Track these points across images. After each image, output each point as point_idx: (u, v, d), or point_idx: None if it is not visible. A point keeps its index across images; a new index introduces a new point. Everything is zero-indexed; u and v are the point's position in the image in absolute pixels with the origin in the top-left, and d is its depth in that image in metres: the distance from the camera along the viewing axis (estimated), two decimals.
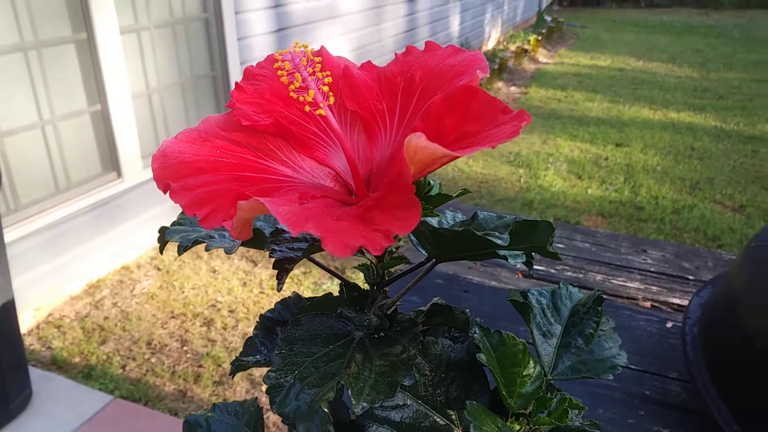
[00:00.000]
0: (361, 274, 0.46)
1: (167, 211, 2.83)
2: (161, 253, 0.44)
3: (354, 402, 0.35)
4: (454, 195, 0.42)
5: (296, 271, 2.60)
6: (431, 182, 0.42)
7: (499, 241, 0.36)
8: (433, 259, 0.44)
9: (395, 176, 0.30)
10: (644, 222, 3.09)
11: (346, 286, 0.45)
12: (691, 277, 1.11)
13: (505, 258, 0.40)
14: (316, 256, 0.49)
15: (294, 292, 0.46)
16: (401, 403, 0.41)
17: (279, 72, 0.37)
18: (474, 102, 0.33)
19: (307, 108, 0.37)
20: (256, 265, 2.65)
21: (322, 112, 0.37)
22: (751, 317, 0.68)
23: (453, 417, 0.41)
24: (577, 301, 0.52)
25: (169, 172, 0.35)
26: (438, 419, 0.41)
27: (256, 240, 0.42)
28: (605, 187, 3.52)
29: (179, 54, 2.83)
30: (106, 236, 2.52)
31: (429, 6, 5.33)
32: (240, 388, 1.95)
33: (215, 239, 0.45)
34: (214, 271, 2.60)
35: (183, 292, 2.45)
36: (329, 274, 2.63)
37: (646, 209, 3.23)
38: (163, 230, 0.44)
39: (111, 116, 2.46)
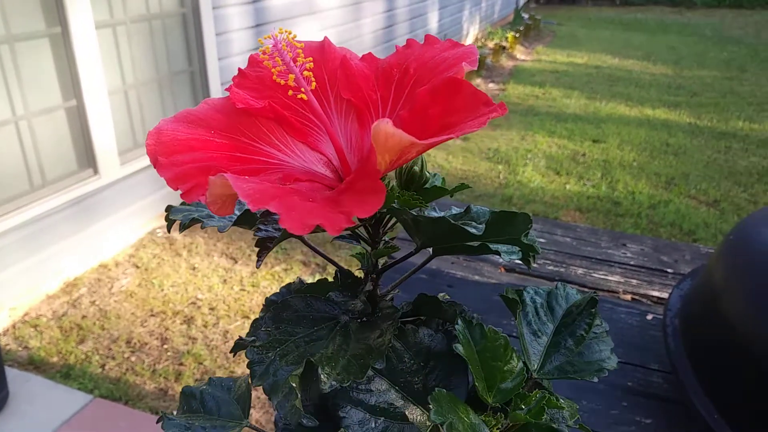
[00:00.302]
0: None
1: (146, 208, 2.80)
2: (168, 231, 0.45)
3: (324, 380, 0.36)
4: (449, 189, 0.42)
5: (277, 268, 2.59)
6: (427, 174, 0.43)
7: (473, 230, 0.37)
8: (424, 250, 0.44)
9: (364, 161, 0.30)
10: (621, 217, 3.14)
11: (341, 272, 0.45)
12: (669, 270, 1.13)
13: (497, 253, 0.41)
14: (318, 245, 0.49)
15: (298, 277, 0.46)
16: (377, 388, 0.41)
17: (261, 56, 0.37)
18: (458, 94, 0.33)
19: (290, 92, 0.38)
20: (236, 262, 2.64)
21: (303, 96, 0.38)
22: (731, 308, 0.69)
23: (429, 405, 0.41)
24: (573, 302, 0.52)
25: (161, 148, 0.35)
26: (413, 406, 0.41)
27: (248, 219, 0.43)
28: (583, 183, 3.56)
29: (156, 49, 2.79)
30: (83, 234, 2.48)
31: (408, 2, 5.33)
32: None
33: (213, 219, 0.46)
34: (194, 269, 2.58)
35: (162, 290, 2.43)
36: (310, 271, 2.59)
37: (623, 204, 3.28)
38: (169, 209, 0.45)
39: (87, 112, 2.42)
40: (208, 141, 0.37)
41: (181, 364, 2.04)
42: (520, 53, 7.36)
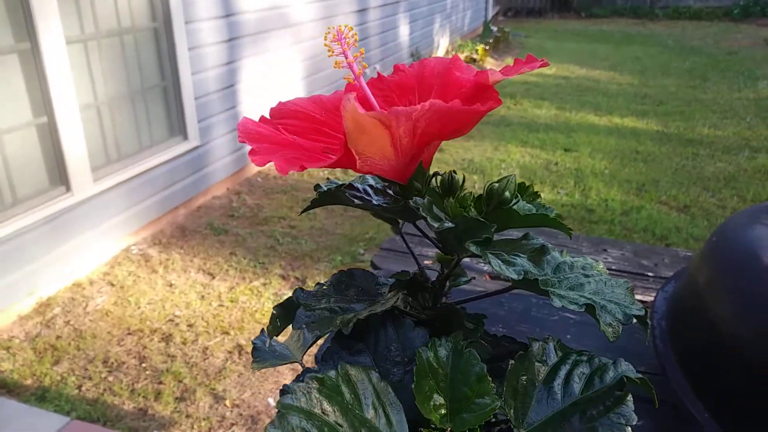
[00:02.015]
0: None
1: (120, 224, 2.76)
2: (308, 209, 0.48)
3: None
4: (546, 219, 0.43)
5: (256, 283, 2.56)
6: (454, 175, 0.44)
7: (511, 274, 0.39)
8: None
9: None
10: (595, 224, 3.19)
11: (420, 270, 0.48)
12: (650, 274, 1.15)
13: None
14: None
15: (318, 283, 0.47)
16: (363, 361, 0.43)
17: (326, 37, 0.43)
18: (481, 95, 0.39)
19: (341, 62, 0.44)
20: (213, 277, 2.61)
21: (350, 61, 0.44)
22: (715, 308, 0.71)
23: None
24: (601, 388, 0.41)
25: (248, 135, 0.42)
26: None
27: (331, 198, 0.47)
28: (557, 191, 3.61)
29: (128, 64, 2.77)
30: (55, 252, 2.43)
31: (379, 16, 5.37)
32: (203, 404, 1.91)
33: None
34: (171, 285, 2.54)
35: (139, 308, 2.38)
36: (289, 284, 2.57)
37: (596, 211, 3.34)
38: (318, 187, 0.48)
39: (58, 128, 2.38)
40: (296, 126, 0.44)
41: (160, 382, 2.00)
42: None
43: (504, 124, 5.03)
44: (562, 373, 0.42)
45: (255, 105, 3.66)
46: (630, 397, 0.39)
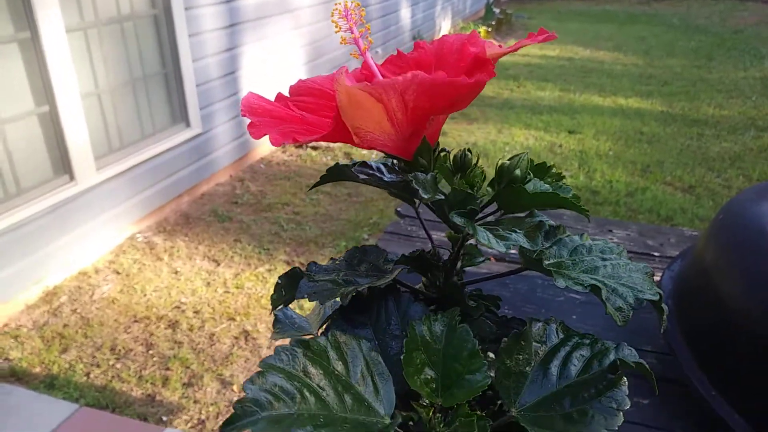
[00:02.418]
0: None
1: (124, 213, 2.76)
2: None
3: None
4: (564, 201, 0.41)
5: (261, 269, 2.57)
6: (468, 153, 0.44)
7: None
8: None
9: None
10: (600, 205, 3.18)
11: (432, 248, 0.48)
12: (656, 254, 1.14)
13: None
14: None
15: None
16: (364, 335, 0.43)
17: (332, 13, 0.42)
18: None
19: (348, 38, 0.43)
20: (218, 264, 2.61)
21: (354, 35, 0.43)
22: (722, 285, 0.70)
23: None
24: (596, 371, 0.40)
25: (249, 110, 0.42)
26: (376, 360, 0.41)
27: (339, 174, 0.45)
28: (561, 173, 3.60)
29: (129, 52, 2.75)
30: (61, 241, 2.43)
31: (380, 0, 5.33)
32: (211, 389, 1.92)
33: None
34: (176, 273, 2.55)
35: (145, 295, 2.39)
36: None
37: (601, 193, 3.32)
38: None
39: (60, 117, 2.38)
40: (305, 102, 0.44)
41: (167, 368, 2.01)
42: None
43: (507, 106, 5.00)
44: (561, 354, 0.41)
45: (256, 91, 3.63)
46: (624, 381, 0.38)
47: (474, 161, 0.44)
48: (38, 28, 2.24)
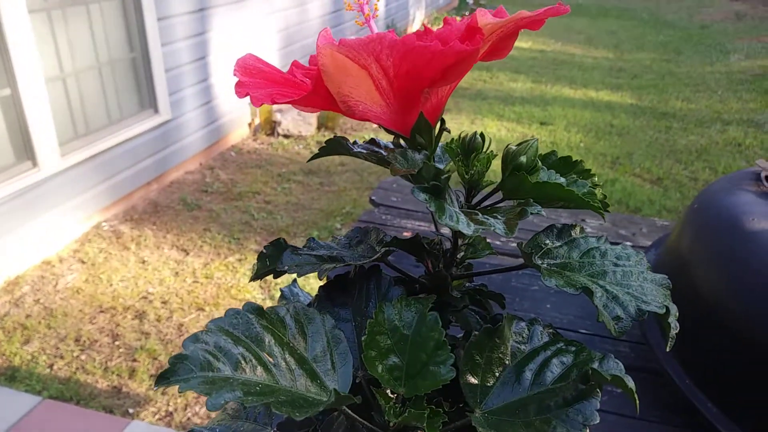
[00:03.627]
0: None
1: (90, 200, 2.69)
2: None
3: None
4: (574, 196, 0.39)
5: (231, 258, 2.53)
6: (479, 137, 0.42)
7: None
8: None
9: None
10: None
11: (437, 234, 0.46)
12: (629, 243, 1.15)
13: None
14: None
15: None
16: (343, 316, 0.42)
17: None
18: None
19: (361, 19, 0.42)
20: (187, 254, 2.56)
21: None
22: (697, 274, 0.71)
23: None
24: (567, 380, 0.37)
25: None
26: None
27: (337, 147, 0.43)
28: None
29: (95, 35, 2.67)
30: (23, 229, 2.36)
31: None
32: None
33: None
34: (143, 262, 2.50)
35: (111, 285, 2.34)
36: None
37: None
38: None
39: (22, 101, 2.29)
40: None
41: (134, 360, 1.97)
42: None
43: (480, 97, 5.01)
44: (540, 359, 0.38)
45: (228, 77, 3.57)
46: (597, 394, 0.35)
47: (485, 146, 0.41)
48: None
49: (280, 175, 3.39)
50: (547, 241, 0.42)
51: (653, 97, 5.10)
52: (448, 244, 0.45)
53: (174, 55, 3.10)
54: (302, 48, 4.44)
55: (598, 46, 7.19)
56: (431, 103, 0.39)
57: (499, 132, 4.19)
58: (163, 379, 0.31)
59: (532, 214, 0.37)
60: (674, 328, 0.37)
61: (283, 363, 0.35)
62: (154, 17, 2.90)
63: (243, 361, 0.34)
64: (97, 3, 2.65)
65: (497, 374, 0.38)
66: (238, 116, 3.79)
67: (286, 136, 3.94)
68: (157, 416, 1.76)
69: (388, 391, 0.37)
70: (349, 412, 0.36)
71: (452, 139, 0.42)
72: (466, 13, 8.19)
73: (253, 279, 0.45)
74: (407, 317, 0.38)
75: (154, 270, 2.44)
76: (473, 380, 0.37)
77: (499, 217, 0.38)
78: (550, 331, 0.40)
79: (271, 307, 0.37)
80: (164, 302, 2.25)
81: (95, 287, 2.32)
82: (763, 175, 0.71)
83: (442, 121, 0.42)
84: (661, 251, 0.82)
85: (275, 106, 4.07)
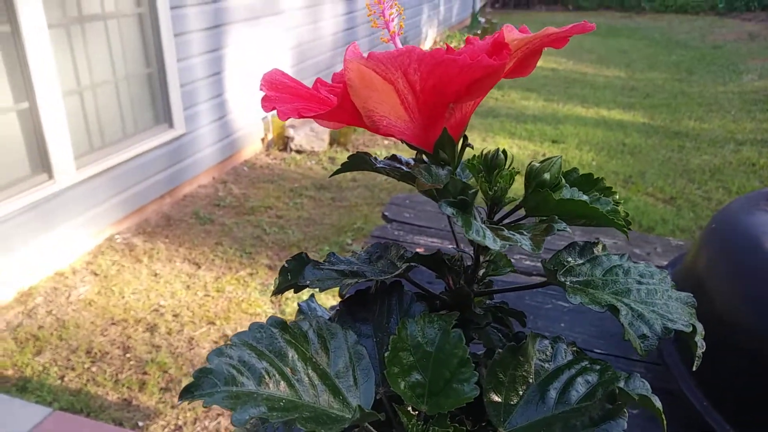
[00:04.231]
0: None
1: (103, 213, 2.71)
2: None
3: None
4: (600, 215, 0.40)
5: (242, 272, 2.53)
6: (501, 154, 0.42)
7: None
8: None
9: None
10: None
11: (458, 250, 0.46)
12: (643, 263, 1.14)
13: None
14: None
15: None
16: (364, 332, 0.42)
17: (369, 7, 0.42)
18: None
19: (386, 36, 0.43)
20: (199, 267, 2.57)
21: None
22: (715, 294, 0.70)
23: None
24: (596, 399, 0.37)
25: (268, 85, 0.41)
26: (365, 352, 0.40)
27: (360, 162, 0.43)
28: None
29: (112, 50, 2.71)
30: (37, 241, 2.38)
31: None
32: None
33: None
34: (156, 275, 2.51)
35: (123, 298, 2.35)
36: (276, 275, 2.59)
37: None
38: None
39: (40, 115, 2.33)
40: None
41: (144, 373, 1.97)
42: None
43: (492, 115, 5.02)
44: (564, 377, 0.38)
45: (242, 93, 3.61)
46: (624, 414, 0.35)
47: (507, 163, 0.42)
48: (19, 21, 2.19)
49: (292, 190, 3.40)
50: (570, 259, 0.42)
51: (666, 117, 5.09)
52: (468, 261, 0.45)
53: (189, 71, 3.14)
54: (315, 65, 4.48)
55: (610, 65, 7.20)
56: (455, 119, 0.39)
57: (511, 149, 4.19)
58: (187, 393, 0.31)
59: (558, 231, 0.37)
60: (701, 347, 0.36)
61: (306, 378, 0.35)
62: (171, 33, 2.94)
63: (267, 376, 0.34)
64: (115, 19, 2.70)
65: (521, 393, 0.37)
66: (252, 131, 3.82)
67: (298, 152, 3.96)
68: (166, 429, 1.76)
69: (410, 408, 0.36)
70: (372, 429, 0.35)
71: (473, 156, 0.42)
72: (479, 32, 8.23)
73: (275, 293, 0.45)
74: (430, 334, 0.38)
75: (166, 283, 2.45)
76: (497, 398, 0.37)
77: (525, 233, 0.38)
78: (574, 349, 0.40)
79: (294, 322, 0.37)
80: (175, 315, 2.26)
81: (107, 299, 2.33)
82: None
83: (465, 138, 0.42)
84: (677, 271, 0.81)
85: (288, 122, 4.10)
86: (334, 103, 0.37)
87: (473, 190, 0.38)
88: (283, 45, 4.00)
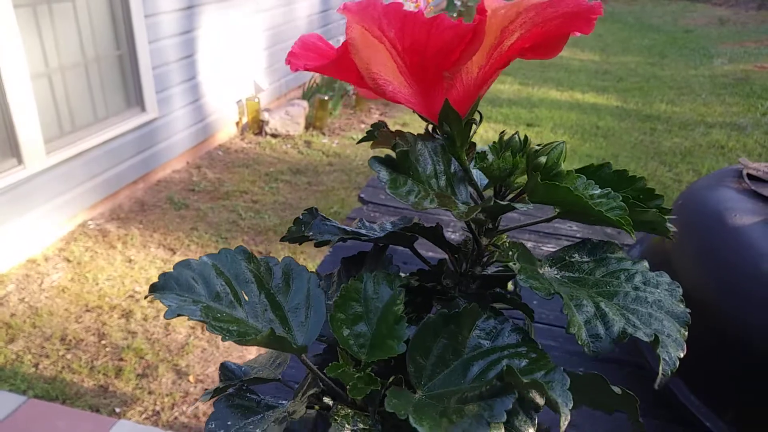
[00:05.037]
0: None
1: (76, 198, 2.67)
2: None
3: None
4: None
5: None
6: (518, 137, 0.41)
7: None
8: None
9: None
10: None
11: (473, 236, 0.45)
12: (615, 241, 1.16)
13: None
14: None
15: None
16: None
17: None
18: None
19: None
20: (174, 252, 2.55)
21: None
22: (681, 267, 0.72)
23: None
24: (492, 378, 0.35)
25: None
26: None
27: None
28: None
29: (81, 31, 2.65)
30: (8, 228, 2.34)
31: None
32: (166, 380, 1.88)
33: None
34: (130, 261, 2.48)
35: (97, 284, 2.32)
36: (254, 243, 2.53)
37: None
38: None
39: (7, 98, 2.27)
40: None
41: (121, 359, 1.96)
42: None
43: None
44: (493, 357, 0.37)
45: (215, 76, 3.56)
46: (513, 395, 0.32)
47: (521, 145, 0.40)
48: None
49: (268, 174, 3.38)
50: (576, 255, 0.41)
51: (638, 100, 5.15)
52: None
53: (161, 53, 3.09)
54: (289, 47, 4.42)
55: (585, 49, 7.25)
56: (457, 92, 0.38)
57: (486, 133, 4.21)
58: (153, 290, 0.36)
59: (515, 209, 0.36)
60: (667, 363, 0.33)
61: (259, 306, 0.39)
62: (142, 14, 2.88)
63: (220, 293, 0.38)
64: None
65: (449, 361, 0.37)
66: (226, 115, 3.78)
67: (273, 136, 3.93)
68: (144, 415, 1.75)
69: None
70: (309, 363, 0.38)
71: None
72: (455, 15, 8.22)
73: (283, 240, 0.46)
74: (383, 292, 0.39)
75: (141, 269, 2.43)
76: (421, 361, 0.37)
77: (465, 203, 0.38)
78: (521, 335, 0.38)
79: (264, 257, 0.41)
80: (151, 301, 2.24)
81: (81, 286, 2.31)
82: (744, 172, 0.72)
83: (480, 116, 0.41)
84: (645, 248, 0.83)
85: (263, 106, 4.06)
86: (349, 67, 0.37)
87: (403, 149, 0.37)
88: (256, 27, 3.94)
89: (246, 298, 0.39)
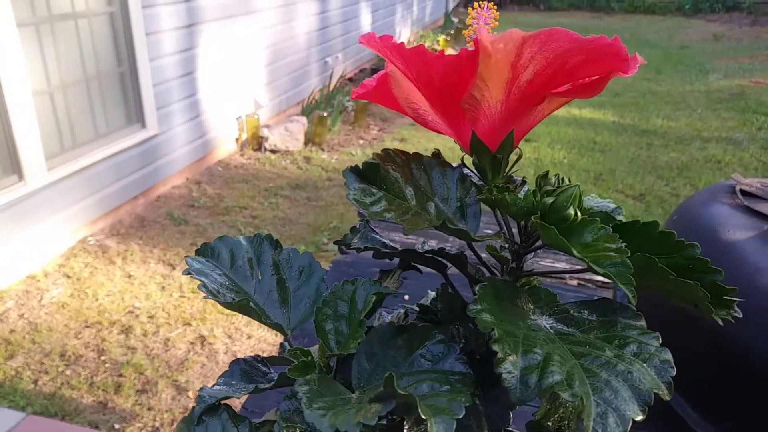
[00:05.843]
0: None
1: (76, 215, 2.68)
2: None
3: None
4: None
5: None
6: (553, 178, 0.41)
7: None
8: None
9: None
10: None
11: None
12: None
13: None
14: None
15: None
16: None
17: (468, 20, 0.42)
18: None
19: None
20: (174, 268, 2.56)
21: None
22: None
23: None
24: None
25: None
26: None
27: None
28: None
29: (83, 49, 2.68)
30: (8, 244, 2.34)
31: (341, 5, 5.33)
32: (165, 395, 1.88)
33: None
34: (130, 277, 2.49)
35: (97, 300, 2.32)
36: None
37: None
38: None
39: (9, 115, 2.29)
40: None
41: (120, 375, 1.96)
42: None
43: None
44: (423, 377, 0.37)
45: (216, 92, 3.59)
46: (436, 336, 0.39)
47: (555, 182, 0.39)
48: None
49: (267, 189, 3.40)
50: (584, 312, 0.38)
51: (635, 115, 5.19)
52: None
53: (162, 70, 3.11)
54: (289, 64, 4.47)
55: None
56: (482, 125, 0.39)
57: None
58: (196, 253, 0.47)
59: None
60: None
61: (268, 285, 0.47)
62: (143, 32, 2.91)
63: (240, 267, 0.48)
64: (85, 18, 2.67)
65: (387, 372, 0.36)
66: (226, 131, 3.80)
67: (273, 152, 3.95)
68: (143, 431, 1.75)
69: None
70: (291, 342, 0.44)
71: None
72: (452, 32, 8.27)
73: (335, 242, 0.51)
74: (369, 297, 0.42)
75: (141, 284, 2.44)
76: (365, 365, 0.39)
77: (462, 230, 0.39)
78: (465, 366, 0.37)
79: (290, 248, 0.49)
80: (151, 317, 2.24)
81: (81, 302, 2.31)
82: (737, 188, 0.74)
83: (520, 152, 0.41)
84: None
85: (262, 122, 4.09)
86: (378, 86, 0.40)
87: (373, 162, 0.42)
88: (257, 44, 3.98)
89: (260, 276, 0.46)
